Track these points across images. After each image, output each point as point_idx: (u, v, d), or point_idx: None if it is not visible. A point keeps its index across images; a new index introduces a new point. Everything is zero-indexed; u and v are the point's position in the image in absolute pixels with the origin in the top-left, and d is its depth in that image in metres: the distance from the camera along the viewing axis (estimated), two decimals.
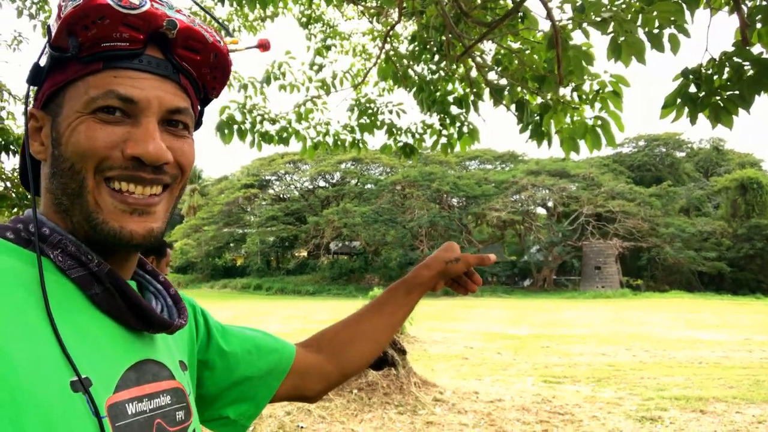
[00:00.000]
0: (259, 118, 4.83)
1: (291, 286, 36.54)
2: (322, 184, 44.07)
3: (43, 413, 0.52)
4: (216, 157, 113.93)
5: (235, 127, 4.60)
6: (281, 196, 44.59)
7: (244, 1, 4.49)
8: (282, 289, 36.46)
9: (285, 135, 4.97)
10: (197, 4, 0.96)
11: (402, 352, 6.45)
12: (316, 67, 5.34)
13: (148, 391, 0.65)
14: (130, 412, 0.61)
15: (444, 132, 4.81)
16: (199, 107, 0.76)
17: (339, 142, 5.18)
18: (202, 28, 0.68)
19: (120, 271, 0.68)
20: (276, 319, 17.23)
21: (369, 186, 41.50)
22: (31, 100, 0.70)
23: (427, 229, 36.06)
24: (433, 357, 9.87)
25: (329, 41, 5.94)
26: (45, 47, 0.66)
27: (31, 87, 0.69)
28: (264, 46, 0.86)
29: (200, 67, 0.71)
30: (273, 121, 4.95)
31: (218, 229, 41.17)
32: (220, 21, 0.89)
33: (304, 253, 41.96)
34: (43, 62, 0.67)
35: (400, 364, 6.20)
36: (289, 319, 17.22)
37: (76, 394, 0.55)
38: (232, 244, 43.10)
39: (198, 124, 0.77)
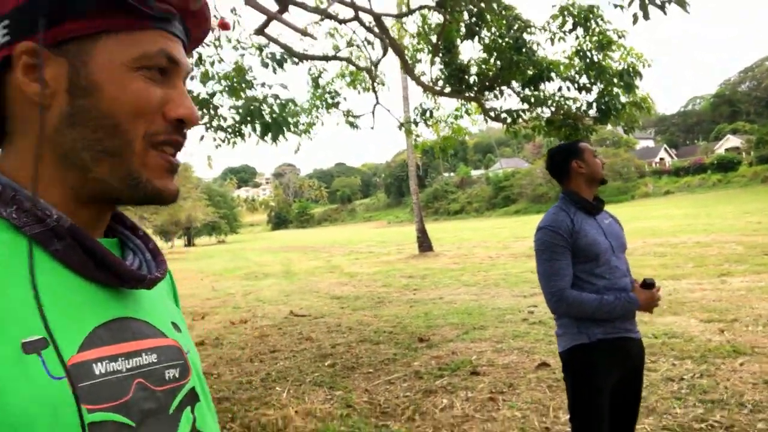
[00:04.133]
0: None
1: None
2: None
3: None
4: None
5: None
6: None
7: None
8: None
9: None
10: None
11: None
12: None
13: (125, 349, 0.60)
14: (97, 372, 0.56)
15: None
16: None
17: None
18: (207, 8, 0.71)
19: (95, 227, 0.66)
20: None
21: None
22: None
23: None
24: None
25: None
26: None
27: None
28: (224, 26, 0.91)
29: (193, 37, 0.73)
30: None
31: None
32: None
33: None
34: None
35: None
36: None
37: (29, 356, 0.51)
38: None
39: None
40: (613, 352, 2.41)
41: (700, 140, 76.02)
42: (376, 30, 6.06)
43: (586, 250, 2.42)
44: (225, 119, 6.87)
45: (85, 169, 0.61)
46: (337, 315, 8.69)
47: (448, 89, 6.43)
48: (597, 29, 5.14)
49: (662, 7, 3.26)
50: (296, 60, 6.59)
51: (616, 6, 3.65)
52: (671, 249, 13.50)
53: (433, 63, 6.34)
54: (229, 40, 7.61)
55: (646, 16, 3.34)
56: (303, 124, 8.07)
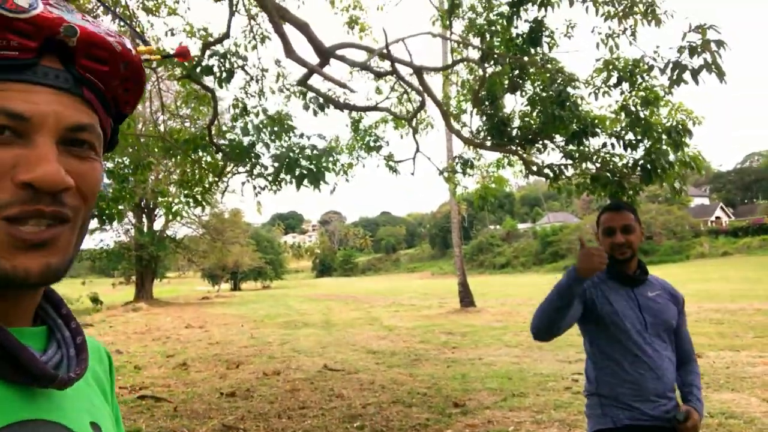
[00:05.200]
0: None
1: None
2: None
3: None
4: None
5: None
6: None
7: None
8: None
9: None
10: (107, 7, 0.92)
11: None
12: None
13: None
14: None
15: None
16: (112, 124, 0.67)
17: None
18: (109, 35, 0.60)
19: (14, 315, 0.60)
20: None
21: None
22: None
23: None
24: None
25: None
26: None
27: None
28: (183, 54, 0.78)
29: (109, 79, 0.62)
30: None
31: None
32: (134, 27, 0.84)
33: None
34: None
35: None
36: None
37: None
38: None
39: (111, 143, 0.68)
40: None
41: (759, 199, 72.89)
42: (415, 82, 6.05)
43: (607, 318, 2.25)
44: (266, 168, 6.94)
45: None
46: (372, 371, 8.39)
47: (489, 142, 6.30)
48: (643, 84, 4.93)
49: (695, 76, 3.06)
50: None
51: (651, 67, 3.49)
52: (729, 316, 12.66)
53: (475, 114, 6.25)
54: (273, 92, 7.78)
55: (677, 84, 3.15)
56: (343, 165, 8.08)
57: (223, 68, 5.91)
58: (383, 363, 9.15)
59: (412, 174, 8.70)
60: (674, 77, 3.19)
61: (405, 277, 65.94)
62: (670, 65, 3.31)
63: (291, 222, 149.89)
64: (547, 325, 2.19)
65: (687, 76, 3.25)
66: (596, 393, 2.30)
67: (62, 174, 0.55)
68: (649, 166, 4.76)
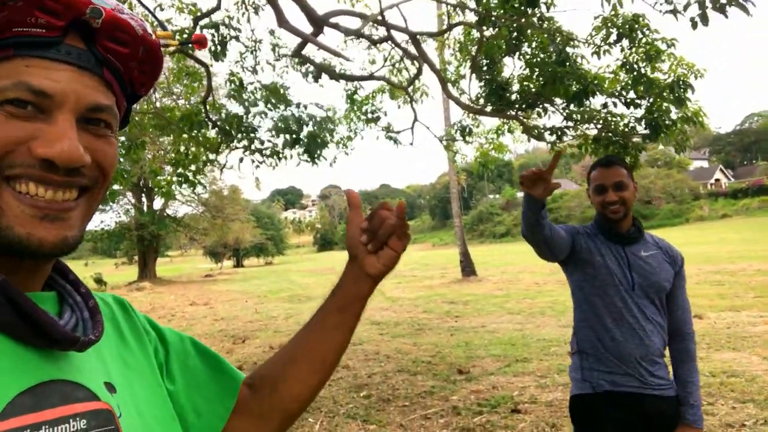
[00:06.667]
0: None
1: None
2: None
3: None
4: None
5: None
6: None
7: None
8: None
9: None
10: None
11: None
12: None
13: (50, 416, 0.55)
14: None
15: None
16: (125, 104, 0.69)
17: None
18: (131, 19, 0.62)
19: (29, 281, 0.62)
20: None
21: None
22: None
23: None
24: None
25: None
26: None
27: None
28: (200, 42, 0.80)
29: (127, 60, 0.64)
30: None
31: None
32: (154, 13, 0.84)
33: None
34: None
35: None
36: None
37: None
38: None
39: (124, 122, 0.70)
40: (623, 409, 2.07)
41: (759, 160, 72.66)
42: (411, 49, 5.94)
43: (597, 267, 2.16)
44: (262, 142, 6.86)
45: None
46: (376, 342, 8.45)
47: (489, 108, 6.21)
48: (644, 39, 4.81)
49: (723, 10, 2.96)
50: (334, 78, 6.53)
51: (669, 12, 3.37)
52: (729, 277, 12.70)
53: (473, 80, 6.14)
54: (269, 63, 7.65)
55: (705, 22, 3.05)
56: (342, 138, 8.00)
57: (216, 40, 5.79)
58: (387, 333, 9.21)
59: (411, 144, 8.63)
60: (701, 12, 3.03)
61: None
62: (693, 2, 3.15)
63: (290, 197, 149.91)
64: (527, 228, 2.10)
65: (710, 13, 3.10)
66: (578, 350, 2.21)
67: (80, 151, 0.57)
68: (652, 123, 4.68)
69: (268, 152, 6.88)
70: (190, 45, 0.79)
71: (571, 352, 2.28)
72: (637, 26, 4.72)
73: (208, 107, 6.79)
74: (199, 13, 6.35)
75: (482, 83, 5.96)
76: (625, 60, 5.00)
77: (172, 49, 0.74)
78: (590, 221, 2.33)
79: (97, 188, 0.63)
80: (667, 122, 4.68)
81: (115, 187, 7.20)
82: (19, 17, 0.56)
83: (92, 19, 0.58)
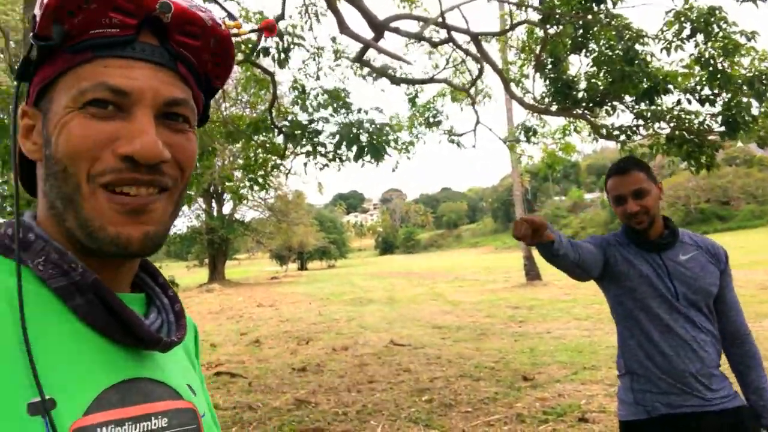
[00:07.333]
0: None
1: None
2: None
3: None
4: None
5: None
6: None
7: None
8: None
9: None
10: None
11: None
12: None
13: (133, 413, 0.56)
14: None
15: None
16: (203, 98, 0.70)
17: None
18: (200, 11, 0.63)
19: (116, 282, 0.64)
20: None
21: None
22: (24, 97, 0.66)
23: None
24: None
25: None
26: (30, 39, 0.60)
27: (22, 83, 0.64)
28: (269, 29, 0.79)
29: (200, 53, 0.65)
30: None
31: None
32: (221, 4, 0.85)
33: None
34: (33, 56, 0.61)
35: None
36: None
37: (34, 417, 0.49)
38: None
39: (204, 117, 0.71)
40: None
41: None
42: (473, 50, 5.88)
43: (634, 280, 1.98)
44: (324, 146, 6.98)
45: (61, 219, 0.60)
46: (438, 346, 8.40)
47: (554, 107, 6.06)
48: (720, 33, 4.53)
49: None
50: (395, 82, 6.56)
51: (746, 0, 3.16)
52: None
53: (537, 79, 6.01)
54: (332, 69, 7.79)
55: None
56: (404, 143, 8.03)
57: (280, 48, 5.95)
58: (449, 338, 9.14)
59: (474, 146, 8.55)
60: None
61: (467, 252, 65.49)
62: None
63: (352, 201, 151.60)
64: (549, 262, 1.90)
65: None
66: (627, 371, 2.04)
67: (160, 146, 0.58)
68: (730, 120, 4.40)
69: (330, 155, 7.01)
70: (260, 32, 0.79)
71: (618, 374, 2.11)
72: (713, 20, 4.45)
73: (273, 114, 6.98)
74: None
75: (547, 82, 5.82)
76: (699, 55, 4.74)
77: (244, 37, 0.75)
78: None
79: (175, 186, 0.64)
80: (747, 118, 4.39)
81: (190, 192, 7.53)
82: (94, 19, 0.57)
83: (162, 14, 0.59)
